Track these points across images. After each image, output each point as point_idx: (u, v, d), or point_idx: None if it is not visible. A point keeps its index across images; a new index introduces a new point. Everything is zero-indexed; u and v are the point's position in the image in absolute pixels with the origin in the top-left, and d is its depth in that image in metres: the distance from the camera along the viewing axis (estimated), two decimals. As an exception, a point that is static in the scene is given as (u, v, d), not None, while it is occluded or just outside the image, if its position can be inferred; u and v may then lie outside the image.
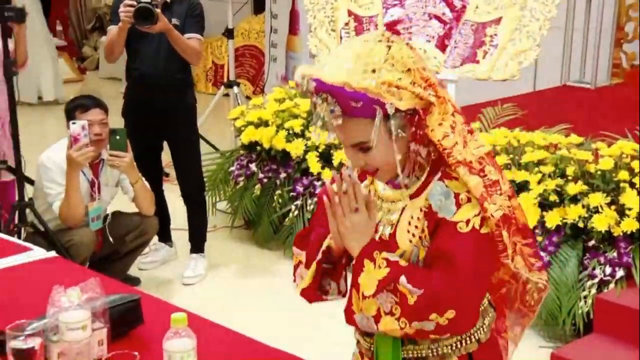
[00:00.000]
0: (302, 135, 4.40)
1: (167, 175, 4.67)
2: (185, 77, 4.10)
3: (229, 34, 6.24)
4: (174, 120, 4.04)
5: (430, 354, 1.72)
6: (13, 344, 1.57)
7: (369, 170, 1.66)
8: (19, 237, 3.39)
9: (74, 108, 3.60)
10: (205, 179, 4.38)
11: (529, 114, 4.36)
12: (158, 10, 3.71)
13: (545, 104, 4.96)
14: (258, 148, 4.50)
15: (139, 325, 1.85)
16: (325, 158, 4.28)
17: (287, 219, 4.29)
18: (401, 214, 1.67)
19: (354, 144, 1.62)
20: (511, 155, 3.79)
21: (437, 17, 4.67)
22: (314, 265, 1.71)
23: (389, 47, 1.59)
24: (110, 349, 1.68)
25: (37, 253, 2.39)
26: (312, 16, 4.93)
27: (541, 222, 3.53)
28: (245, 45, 8.08)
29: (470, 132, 1.67)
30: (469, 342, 1.72)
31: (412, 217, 1.65)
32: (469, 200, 1.61)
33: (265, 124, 4.55)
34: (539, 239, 3.49)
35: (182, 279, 4.10)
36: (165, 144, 4.19)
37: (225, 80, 7.01)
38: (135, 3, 3.70)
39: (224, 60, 8.06)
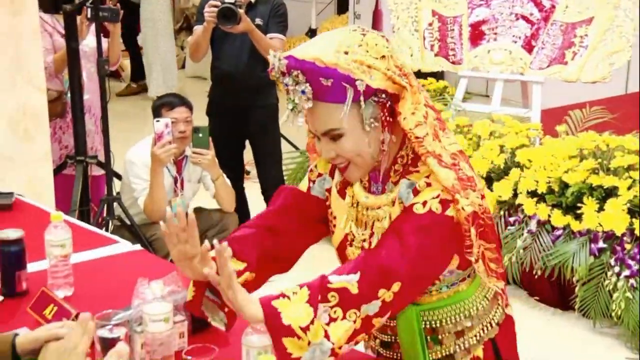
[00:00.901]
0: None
1: (247, 173, 4.74)
2: (267, 76, 4.14)
3: (312, 33, 6.30)
4: (256, 119, 4.10)
5: (458, 349, 1.72)
6: (100, 332, 1.62)
7: (340, 164, 1.62)
8: (107, 230, 3.50)
9: (161, 105, 3.70)
10: (285, 177, 4.43)
11: (620, 117, 4.21)
12: (241, 11, 3.77)
13: (638, 107, 4.79)
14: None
15: (218, 320, 1.88)
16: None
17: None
18: (389, 219, 1.63)
19: (325, 132, 1.58)
20: (599, 160, 3.67)
21: (525, 18, 4.57)
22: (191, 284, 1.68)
23: (364, 35, 1.58)
24: (191, 341, 1.71)
25: (123, 246, 2.45)
26: (396, 16, 4.91)
27: (630, 230, 3.40)
28: (328, 45, 8.10)
29: (442, 128, 1.63)
30: (489, 328, 1.74)
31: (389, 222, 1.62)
32: (428, 185, 1.58)
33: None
34: (628, 246, 3.37)
35: (261, 276, 4.16)
36: (247, 142, 4.26)
37: (306, 79, 7.04)
38: (219, 3, 3.77)
39: (306, 60, 8.10)
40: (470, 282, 1.73)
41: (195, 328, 1.79)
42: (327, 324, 1.48)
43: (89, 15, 3.63)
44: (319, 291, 1.51)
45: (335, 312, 1.49)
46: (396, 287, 1.52)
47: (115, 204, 3.67)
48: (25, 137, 3.34)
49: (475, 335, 1.73)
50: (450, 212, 1.55)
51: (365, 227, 1.69)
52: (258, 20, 3.96)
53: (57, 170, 3.77)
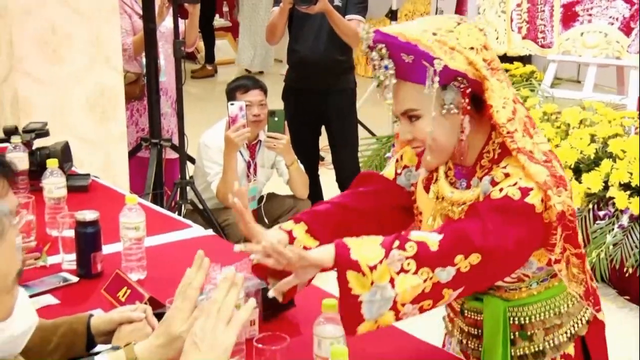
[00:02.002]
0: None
1: (322, 159, 4.76)
2: (345, 59, 4.15)
3: (392, 15, 6.25)
4: (333, 104, 4.11)
5: (547, 346, 1.73)
6: (171, 316, 1.68)
7: (417, 148, 1.68)
8: (179, 214, 3.56)
9: (235, 88, 3.75)
10: (360, 165, 4.43)
11: None
12: (318, -9, 3.78)
13: None
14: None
15: (290, 308, 1.89)
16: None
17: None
18: None
19: (403, 112, 1.63)
20: None
21: (621, -3, 4.41)
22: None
23: (459, 23, 1.60)
24: (262, 329, 1.74)
25: (196, 231, 2.48)
26: (482, -4, 4.83)
27: None
28: (409, 27, 8.04)
29: (532, 125, 1.64)
30: (579, 325, 1.74)
31: None
32: (506, 175, 1.59)
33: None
34: None
35: (334, 266, 4.17)
36: (322, 128, 4.28)
37: (386, 63, 7.01)
38: (296, -17, 3.80)
39: (385, 43, 8.07)
40: (560, 279, 1.71)
41: (266, 316, 1.82)
42: (397, 273, 1.50)
43: None
44: (396, 238, 1.54)
45: (408, 264, 1.51)
46: (474, 258, 1.52)
47: (188, 188, 3.73)
48: (102, 119, 3.43)
49: (566, 332, 1.74)
50: (530, 199, 1.55)
51: None
52: (337, 1, 3.96)
53: (132, 153, 3.86)
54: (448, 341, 1.92)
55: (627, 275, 3.56)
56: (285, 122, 3.70)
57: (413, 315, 1.55)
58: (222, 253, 2.21)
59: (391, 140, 4.77)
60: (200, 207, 3.68)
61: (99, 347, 1.71)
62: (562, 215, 1.57)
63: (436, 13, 6.85)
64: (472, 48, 1.58)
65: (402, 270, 1.50)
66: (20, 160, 2.61)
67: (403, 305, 1.52)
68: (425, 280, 1.51)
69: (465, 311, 1.78)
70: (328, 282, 3.80)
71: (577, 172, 3.83)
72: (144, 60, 3.89)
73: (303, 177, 3.89)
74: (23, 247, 2.11)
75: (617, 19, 4.44)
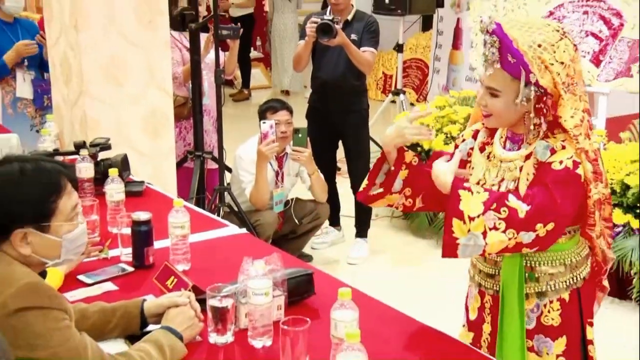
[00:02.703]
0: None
1: (339, 169, 4.75)
2: (360, 84, 4.14)
3: (399, 48, 6.24)
4: (349, 122, 4.10)
5: (549, 289, 1.86)
6: (211, 302, 1.67)
7: (485, 112, 1.82)
8: (218, 215, 3.55)
9: (266, 109, 3.76)
10: (371, 174, 4.41)
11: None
12: (337, 27, 3.77)
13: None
14: (419, 149, 4.46)
15: (310, 296, 1.89)
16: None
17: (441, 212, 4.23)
18: (520, 171, 1.80)
19: (488, 86, 1.78)
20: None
21: (594, 34, 4.38)
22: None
23: (561, 39, 1.72)
24: (287, 313, 1.74)
25: (232, 229, 2.48)
26: (475, 33, 4.81)
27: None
28: (413, 58, 8.02)
29: (590, 128, 1.78)
30: (578, 278, 1.87)
31: (528, 174, 1.78)
32: (563, 147, 1.75)
33: (427, 127, 4.50)
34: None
35: (348, 259, 4.15)
36: (339, 143, 4.27)
37: (393, 88, 7.01)
38: (319, 20, 3.80)
39: (392, 71, 8.05)
40: (569, 238, 1.86)
41: (291, 302, 1.81)
42: (490, 229, 1.68)
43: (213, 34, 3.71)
44: (496, 200, 1.70)
45: (500, 224, 1.68)
46: (550, 226, 1.70)
47: (225, 193, 3.74)
48: (154, 134, 3.44)
49: (566, 281, 1.85)
50: (579, 170, 1.73)
51: (497, 175, 1.85)
52: (353, 36, 3.96)
53: (180, 164, 3.87)
54: (470, 295, 2.02)
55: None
56: (308, 138, 3.71)
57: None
58: (253, 249, 2.22)
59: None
60: (236, 209, 3.68)
61: (150, 327, 1.72)
62: (599, 202, 1.77)
63: (436, 47, 6.83)
64: (562, 63, 1.71)
65: (494, 227, 1.68)
66: (87, 169, 2.63)
67: (489, 254, 1.77)
68: (509, 239, 1.69)
69: (488, 254, 1.87)
70: (340, 272, 3.80)
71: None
72: (190, 86, 3.91)
73: (323, 185, 3.88)
74: (89, 241, 2.12)
75: (588, 52, 4.41)
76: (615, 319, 3.45)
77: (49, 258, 1.52)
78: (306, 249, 4.15)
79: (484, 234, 1.68)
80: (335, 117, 4.08)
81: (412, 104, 6.76)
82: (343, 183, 4.39)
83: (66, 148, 3.27)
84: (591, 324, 1.90)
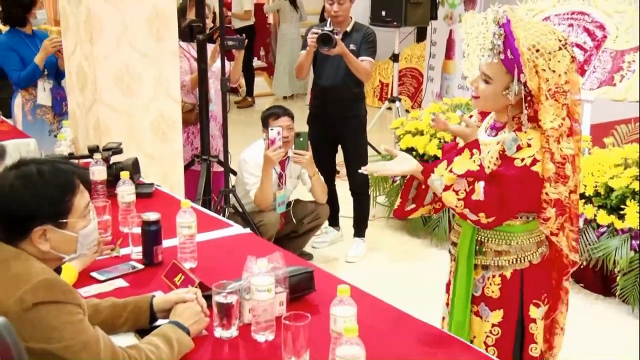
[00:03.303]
0: (451, 144, 4.30)
1: (338, 172, 4.75)
2: (358, 91, 4.14)
3: (394, 58, 6.24)
4: (348, 127, 4.10)
5: (492, 264, 1.96)
6: (217, 298, 1.66)
7: (475, 93, 1.93)
8: (224, 216, 3.54)
9: (268, 115, 3.75)
10: (369, 177, 4.41)
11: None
12: (337, 37, 3.77)
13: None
14: (414, 153, 4.46)
15: (311, 292, 1.89)
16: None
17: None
18: (487, 152, 1.91)
19: (484, 73, 1.89)
20: (642, 169, 3.50)
21: (578, 46, 4.38)
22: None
23: (560, 48, 1.80)
24: (288, 309, 1.74)
25: (236, 229, 2.48)
26: (466, 44, 4.81)
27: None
28: (408, 67, 8.02)
29: (569, 134, 1.85)
30: (523, 261, 1.95)
31: (492, 157, 1.89)
32: (528, 145, 1.83)
33: (421, 133, 4.50)
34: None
35: (346, 258, 4.14)
36: (339, 147, 4.27)
37: (389, 96, 7.02)
38: (319, 31, 3.80)
39: (389, 80, 8.06)
40: (523, 222, 1.95)
41: (292, 298, 1.81)
42: (454, 191, 1.88)
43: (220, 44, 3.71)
44: (474, 175, 1.88)
45: (461, 193, 1.88)
46: (491, 219, 1.86)
47: (231, 195, 3.73)
48: (162, 139, 3.44)
49: (509, 260, 1.94)
50: (535, 168, 1.82)
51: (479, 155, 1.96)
52: (352, 46, 3.96)
53: (187, 167, 3.87)
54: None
55: (581, 267, 3.51)
56: (309, 142, 3.70)
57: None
58: (257, 248, 2.22)
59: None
60: (240, 210, 3.68)
61: (159, 322, 1.71)
62: (558, 202, 1.84)
63: (429, 56, 6.83)
64: (554, 71, 1.78)
65: (456, 191, 1.89)
66: (100, 172, 2.62)
67: (439, 201, 1.96)
68: (456, 207, 1.90)
69: (455, 225, 2.07)
70: (339, 270, 3.80)
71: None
72: (198, 93, 3.91)
73: (323, 186, 3.88)
74: (101, 240, 2.12)
75: (574, 62, 4.40)
76: (600, 314, 3.45)
77: (66, 253, 1.52)
78: (307, 248, 4.14)
79: (446, 188, 1.88)
80: (335, 123, 4.07)
81: (407, 111, 6.76)
82: (342, 185, 4.39)
83: (81, 152, 3.26)
84: (537, 305, 1.97)
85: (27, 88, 3.93)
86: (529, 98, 1.82)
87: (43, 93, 3.88)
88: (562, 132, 1.82)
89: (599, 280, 3.59)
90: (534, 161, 1.82)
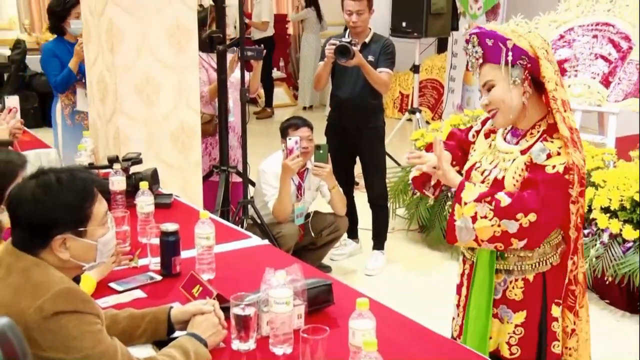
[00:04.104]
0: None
1: (357, 184, 4.74)
2: (377, 103, 4.14)
3: (415, 69, 6.23)
4: (366, 139, 4.09)
5: (515, 268, 1.96)
6: (234, 310, 1.66)
7: (491, 112, 1.91)
8: (242, 227, 3.55)
9: (288, 126, 3.77)
10: (388, 189, 4.40)
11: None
12: (355, 48, 3.78)
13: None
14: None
15: (329, 305, 1.88)
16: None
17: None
18: (511, 164, 1.90)
19: (484, 83, 1.89)
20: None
21: (603, 57, 4.35)
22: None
23: (530, 31, 1.90)
24: (307, 322, 1.73)
25: (255, 241, 2.48)
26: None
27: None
28: (428, 78, 8.01)
29: (566, 109, 1.87)
30: (544, 264, 1.95)
31: (517, 168, 1.88)
32: (558, 154, 1.83)
33: (441, 145, 4.48)
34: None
35: (365, 270, 4.13)
36: (357, 159, 4.26)
37: (409, 107, 7.01)
38: (337, 42, 3.81)
39: (409, 91, 8.05)
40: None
41: (310, 311, 1.80)
42: (481, 217, 1.83)
43: (239, 55, 3.74)
44: (490, 194, 1.85)
45: (489, 214, 1.83)
46: (532, 216, 1.79)
47: (249, 206, 3.74)
48: (182, 149, 3.47)
49: (532, 264, 1.95)
50: (569, 177, 1.81)
51: (491, 162, 1.96)
52: (370, 58, 3.96)
53: (206, 177, 3.89)
54: (459, 264, 2.14)
55: (607, 283, 3.46)
56: (329, 154, 3.70)
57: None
58: (275, 259, 2.21)
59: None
60: (259, 221, 3.68)
61: (177, 333, 1.72)
62: (572, 168, 1.82)
63: (450, 68, 6.82)
64: (536, 37, 1.85)
65: (484, 217, 1.83)
66: (119, 182, 2.65)
67: (482, 241, 1.86)
68: (493, 225, 1.82)
69: (481, 242, 1.94)
70: (357, 283, 3.79)
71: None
72: (217, 104, 3.94)
73: (342, 199, 3.88)
74: (119, 250, 2.13)
75: (598, 74, 4.37)
76: (626, 331, 3.39)
77: (86, 261, 1.54)
78: (325, 260, 4.13)
79: (474, 218, 1.83)
80: (353, 134, 4.07)
81: (427, 122, 6.74)
82: (361, 197, 4.38)
83: (100, 162, 3.30)
84: (558, 304, 1.99)
85: (66, 94, 4.03)
86: (528, 66, 1.83)
87: (82, 99, 3.98)
88: (562, 100, 1.85)
89: (624, 296, 3.53)
90: (566, 169, 1.82)
